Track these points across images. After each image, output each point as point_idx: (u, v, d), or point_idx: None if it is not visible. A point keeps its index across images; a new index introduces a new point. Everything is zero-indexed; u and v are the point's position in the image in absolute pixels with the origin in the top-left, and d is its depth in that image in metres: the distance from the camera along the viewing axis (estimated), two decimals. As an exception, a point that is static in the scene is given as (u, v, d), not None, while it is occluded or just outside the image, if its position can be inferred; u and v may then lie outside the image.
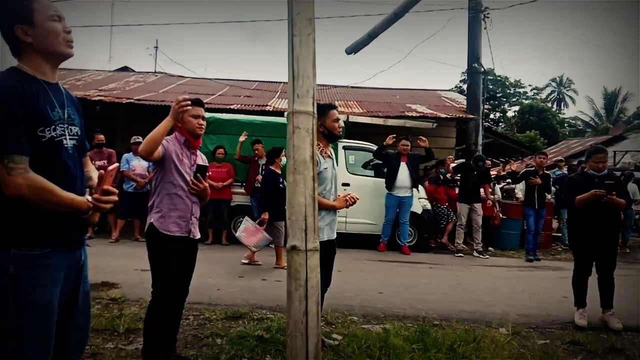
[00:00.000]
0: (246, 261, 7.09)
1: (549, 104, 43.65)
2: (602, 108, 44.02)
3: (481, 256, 8.59)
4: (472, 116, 11.36)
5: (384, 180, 8.35)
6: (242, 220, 8.71)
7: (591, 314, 4.86)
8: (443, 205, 9.16)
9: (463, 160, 10.19)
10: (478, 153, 9.20)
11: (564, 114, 43.97)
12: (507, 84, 39.78)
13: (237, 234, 6.85)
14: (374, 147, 8.57)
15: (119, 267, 6.19)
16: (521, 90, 41.43)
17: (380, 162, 8.54)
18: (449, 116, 11.29)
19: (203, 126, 3.23)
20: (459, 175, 8.97)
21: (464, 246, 8.79)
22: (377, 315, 4.83)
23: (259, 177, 8.34)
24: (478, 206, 8.73)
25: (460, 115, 11.45)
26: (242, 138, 8.32)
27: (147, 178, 8.20)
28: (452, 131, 12.62)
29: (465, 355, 3.58)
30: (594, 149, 4.97)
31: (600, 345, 4.16)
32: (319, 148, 3.62)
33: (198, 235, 3.30)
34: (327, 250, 3.65)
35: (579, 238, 4.95)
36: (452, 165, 9.51)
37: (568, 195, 4.89)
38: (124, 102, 10.81)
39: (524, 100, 40.45)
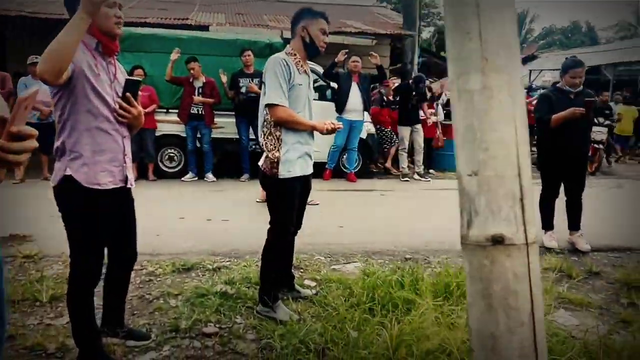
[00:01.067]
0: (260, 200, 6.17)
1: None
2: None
3: (423, 179, 8.39)
4: (409, 32, 10.78)
5: (330, 103, 7.68)
6: (170, 152, 7.83)
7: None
8: (387, 129, 8.73)
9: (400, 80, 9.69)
10: (418, 73, 8.71)
11: (476, 34, 44.59)
12: (422, 3, 39.27)
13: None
14: (317, 67, 7.79)
15: (29, 214, 5.18)
16: (435, 10, 41.27)
17: (325, 83, 7.82)
18: (388, 33, 10.63)
19: (121, 22, 2.21)
20: (399, 97, 8.47)
21: (408, 170, 8.53)
22: (344, 252, 4.36)
23: (198, 100, 7.33)
24: (419, 127, 8.39)
25: (399, 32, 10.83)
26: (173, 56, 7.15)
27: (52, 105, 6.87)
28: (386, 50, 12.03)
29: (460, 286, 3.20)
30: (571, 63, 4.58)
31: (577, 270, 4.01)
32: (295, 58, 2.89)
33: (133, 184, 2.41)
34: (303, 189, 3.04)
35: (550, 159, 4.68)
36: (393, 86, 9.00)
37: (544, 115, 4.54)
38: (12, 15, 8.97)
39: (437, 21, 40.42)
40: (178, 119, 7.51)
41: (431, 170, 9.06)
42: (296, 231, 3.19)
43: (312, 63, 7.86)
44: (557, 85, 4.74)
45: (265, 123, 2.88)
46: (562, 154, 4.56)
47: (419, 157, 8.56)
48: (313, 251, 4.29)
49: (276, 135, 2.85)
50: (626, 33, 44.11)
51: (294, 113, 2.83)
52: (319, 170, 7.77)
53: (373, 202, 6.61)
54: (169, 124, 7.69)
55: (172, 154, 7.91)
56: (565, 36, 51.12)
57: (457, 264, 4.09)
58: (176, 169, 7.91)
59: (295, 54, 2.91)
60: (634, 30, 43.68)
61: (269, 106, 2.79)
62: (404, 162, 8.43)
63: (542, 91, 4.75)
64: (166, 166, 7.91)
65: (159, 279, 3.61)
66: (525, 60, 28.61)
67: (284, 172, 2.84)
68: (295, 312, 3.03)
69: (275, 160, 2.83)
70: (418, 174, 8.52)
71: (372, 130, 8.18)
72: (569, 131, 4.45)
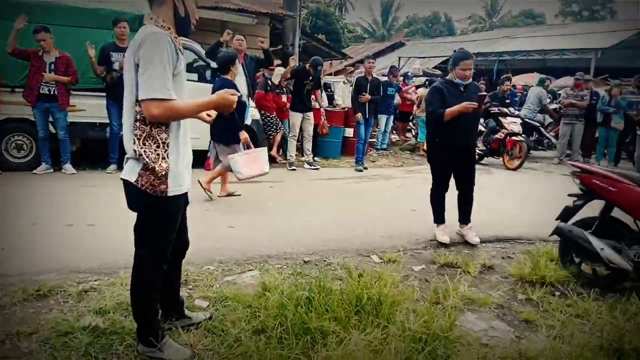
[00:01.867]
0: (224, 193, 5.90)
1: (332, 9, 44.75)
2: (380, 16, 47.26)
3: (312, 167, 8.16)
4: (290, 13, 10.39)
5: (211, 85, 6.99)
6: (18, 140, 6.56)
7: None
8: (271, 115, 8.29)
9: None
10: (315, 57, 8.37)
11: (344, 19, 45.77)
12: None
13: (243, 177, 5.48)
14: (195, 45, 7.04)
15: None
16: (310, -8, 41.43)
17: (205, 63, 7.10)
18: (269, 12, 10.11)
19: None
20: (293, 80, 8.08)
21: (296, 159, 8.22)
22: (237, 259, 3.90)
23: (49, 77, 6.18)
24: (310, 115, 8.12)
25: (279, 12, 10.37)
26: (18, 24, 5.89)
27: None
28: (265, 30, 11.50)
29: (371, 298, 2.94)
30: (462, 55, 4.54)
31: (473, 265, 4.03)
32: (172, 34, 2.24)
33: None
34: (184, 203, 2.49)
35: (439, 153, 4.65)
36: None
37: (437, 108, 4.47)
38: None
39: (310, 4, 40.62)
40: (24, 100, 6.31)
41: (316, 158, 8.86)
42: (184, 252, 2.66)
43: (188, 40, 7.16)
44: (447, 77, 4.70)
45: (138, 124, 2.20)
46: (451, 147, 4.55)
47: (308, 146, 8.30)
48: (201, 260, 3.76)
49: (161, 139, 2.22)
50: (478, 26, 48.60)
51: (183, 105, 2.22)
52: (200, 159, 7.11)
53: (262, 195, 6.18)
54: (15, 105, 6.42)
55: (20, 142, 6.66)
56: (427, 26, 54.74)
57: (358, 264, 3.89)
58: (26, 160, 6.69)
59: (170, 29, 2.26)
60: (484, 23, 48.29)
61: (151, 102, 2.09)
62: (293, 150, 8.10)
63: (434, 84, 4.68)
64: (13, 156, 6.64)
65: (4, 311, 2.83)
66: (394, 47, 30.09)
67: (175, 187, 2.26)
68: (187, 346, 2.52)
69: (163, 173, 2.21)
70: (307, 162, 8.26)
71: (257, 116, 7.68)
72: (458, 125, 4.43)
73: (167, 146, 2.24)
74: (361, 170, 8.20)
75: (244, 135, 5.61)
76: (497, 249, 4.64)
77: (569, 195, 3.94)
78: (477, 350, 2.59)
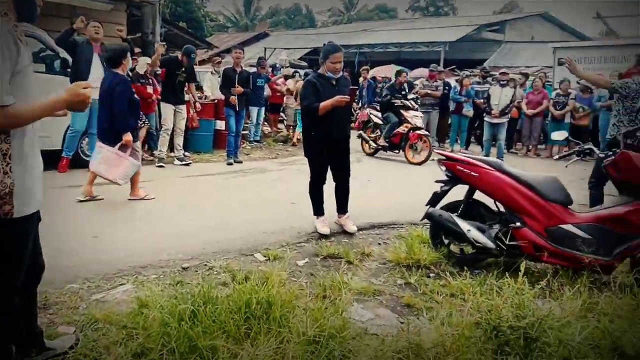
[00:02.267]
0: (84, 197, 5.30)
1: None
2: (243, 5, 46.74)
3: (182, 163, 7.74)
4: (149, 0, 9.71)
5: (63, 77, 6.21)
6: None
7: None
8: (135, 108, 7.64)
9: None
10: (188, 45, 7.83)
11: (205, 7, 44.39)
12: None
13: (93, 168, 5.13)
14: (40, 31, 6.18)
15: None
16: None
17: (53, 52, 6.28)
18: (125, -3, 9.33)
19: None
20: (165, 70, 7.49)
21: (165, 155, 7.71)
22: (106, 273, 3.50)
23: None
24: (183, 108, 7.66)
25: (137, -2, 9.63)
26: None
27: None
28: (122, 17, 10.62)
29: (260, 302, 2.83)
30: (332, 48, 4.58)
31: (354, 254, 4.12)
32: (10, 22, 1.87)
33: None
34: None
35: (316, 146, 4.67)
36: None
37: (311, 103, 4.46)
38: None
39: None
40: None
41: (186, 153, 8.42)
42: (40, 277, 2.29)
43: (30, 26, 6.27)
44: (319, 71, 4.71)
45: None
46: (326, 140, 4.59)
47: (179, 140, 7.83)
48: (62, 279, 3.31)
49: (0, 151, 1.86)
50: (337, 18, 50.49)
51: (24, 109, 1.87)
52: (53, 159, 6.33)
53: (130, 199, 5.65)
54: None
55: None
56: (289, 17, 55.43)
57: (242, 265, 3.75)
58: None
59: (7, 14, 1.89)
60: (343, 16, 50.32)
61: None
62: (163, 145, 7.57)
63: (307, 78, 4.68)
64: None
65: None
66: (258, 38, 29.91)
67: (22, 206, 1.91)
68: (53, 384, 2.18)
69: (7, 191, 1.85)
70: (178, 158, 7.80)
71: (119, 110, 7.01)
72: (332, 118, 4.48)
73: (9, 158, 1.87)
74: (232, 164, 7.98)
75: (127, 137, 5.10)
76: (372, 236, 4.81)
77: (436, 181, 4.20)
78: (372, 345, 2.63)
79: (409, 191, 6.30)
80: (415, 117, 9.07)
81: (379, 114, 9.76)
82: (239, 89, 7.78)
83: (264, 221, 4.91)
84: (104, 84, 5.18)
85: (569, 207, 3.78)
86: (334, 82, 4.56)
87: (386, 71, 16.58)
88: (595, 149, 3.98)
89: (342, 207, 4.87)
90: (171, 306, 2.64)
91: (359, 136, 9.81)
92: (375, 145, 9.51)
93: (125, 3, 10.20)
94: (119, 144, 5.10)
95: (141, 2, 9.77)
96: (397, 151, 9.25)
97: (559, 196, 3.76)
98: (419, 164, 8.71)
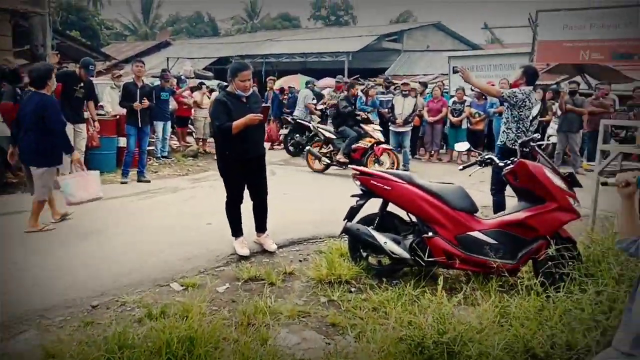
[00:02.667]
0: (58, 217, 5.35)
1: (85, 3, 40.52)
2: (141, 12, 44.88)
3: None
4: (38, 10, 8.98)
5: None
6: None
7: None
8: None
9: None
10: (86, 58, 7.25)
11: (100, 14, 42.00)
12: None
13: (76, 201, 5.06)
14: None
15: None
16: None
17: None
18: (10, 7, 8.54)
19: None
20: (61, 85, 6.87)
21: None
22: (3, 320, 3.15)
23: None
24: (83, 127, 7.11)
25: (23, 8, 8.85)
26: None
27: None
28: (6, 28, 9.73)
29: (181, 340, 2.69)
30: (239, 66, 4.50)
31: (275, 275, 4.07)
32: None
33: None
34: None
35: (231, 165, 4.57)
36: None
37: (223, 122, 4.35)
38: None
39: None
40: None
41: (87, 173, 7.84)
42: None
43: None
44: (228, 89, 4.62)
45: None
46: (242, 159, 4.51)
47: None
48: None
49: None
50: (241, 27, 50.12)
51: None
52: None
53: (20, 228, 5.11)
54: None
55: None
56: (191, 25, 54.13)
57: (158, 298, 3.56)
58: None
59: None
60: (246, 24, 50.04)
61: None
62: (65, 168, 6.98)
63: (216, 96, 4.56)
64: None
65: None
66: (159, 47, 28.83)
67: None
68: None
69: None
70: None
71: (7, 132, 6.36)
72: (246, 136, 4.41)
73: None
74: (126, 183, 7.58)
75: (76, 155, 5.10)
76: (293, 253, 4.79)
77: (352, 195, 4.28)
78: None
79: (326, 203, 6.35)
80: (376, 131, 8.88)
81: (329, 128, 9.33)
82: (145, 103, 7.41)
83: (179, 246, 4.71)
84: (27, 106, 4.99)
85: (475, 214, 4.03)
86: (244, 100, 4.49)
87: (293, 81, 16.70)
88: (495, 158, 4.27)
89: (261, 226, 4.80)
90: (82, 354, 2.44)
91: (309, 151, 9.28)
92: (328, 162, 8.93)
93: (8, 13, 9.35)
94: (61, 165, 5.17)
95: (28, 12, 8.98)
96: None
97: (465, 204, 3.99)
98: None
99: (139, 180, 7.78)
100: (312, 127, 9.95)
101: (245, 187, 4.65)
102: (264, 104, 4.57)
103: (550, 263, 3.51)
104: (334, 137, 9.02)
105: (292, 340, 3.08)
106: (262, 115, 4.37)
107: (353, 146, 8.68)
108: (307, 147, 9.43)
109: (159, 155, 9.97)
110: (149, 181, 7.82)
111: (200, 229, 5.30)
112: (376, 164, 8.53)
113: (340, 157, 8.74)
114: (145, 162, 8.04)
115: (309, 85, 12.55)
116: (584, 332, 2.43)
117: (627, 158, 4.69)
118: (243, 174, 4.57)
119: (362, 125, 8.87)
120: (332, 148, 9.08)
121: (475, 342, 2.32)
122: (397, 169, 8.31)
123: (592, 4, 13.09)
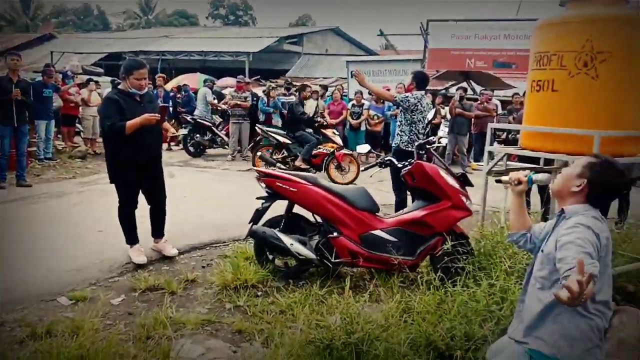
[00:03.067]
0: None
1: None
2: (19, 1, 40.89)
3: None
4: None
5: None
6: None
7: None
8: None
9: None
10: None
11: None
12: None
13: None
14: None
15: None
16: None
17: None
18: None
19: None
20: None
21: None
22: None
23: None
24: None
25: None
26: None
27: None
28: None
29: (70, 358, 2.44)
30: (135, 64, 4.23)
31: (176, 283, 3.87)
32: None
33: None
34: None
35: (124, 168, 4.26)
36: None
37: (116, 122, 4.04)
38: None
39: None
40: None
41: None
42: None
43: None
44: (120, 87, 4.31)
45: None
46: (136, 162, 4.22)
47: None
48: None
49: None
50: (134, 22, 47.63)
51: None
52: None
53: None
54: None
55: None
56: (78, 18, 50.46)
57: (43, 315, 3.21)
58: None
59: None
60: (140, 19, 47.63)
61: None
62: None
63: (106, 95, 4.23)
64: None
65: None
66: (42, 40, 26.46)
67: None
68: None
69: None
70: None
71: None
72: (141, 137, 4.13)
73: None
74: (4, 188, 6.83)
75: None
76: (195, 258, 4.59)
77: (257, 198, 4.19)
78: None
79: (230, 205, 6.18)
80: (336, 136, 8.63)
81: (282, 132, 8.85)
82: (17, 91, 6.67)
83: (67, 257, 4.30)
84: None
85: (376, 213, 4.14)
86: (138, 99, 4.22)
87: (189, 79, 16.13)
88: (394, 160, 4.42)
89: (158, 231, 4.54)
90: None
91: (261, 157, 8.72)
92: (284, 168, 8.38)
93: None
94: None
95: None
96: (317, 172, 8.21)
97: (367, 204, 4.09)
98: (346, 184, 7.51)
99: (18, 185, 7.03)
100: (260, 132, 9.24)
101: (141, 192, 4.38)
102: (162, 105, 4.32)
103: (446, 258, 3.69)
104: (289, 142, 8.60)
105: (197, 351, 2.93)
106: (159, 115, 4.13)
107: (313, 152, 8.41)
108: (259, 153, 8.90)
109: (42, 157, 9.10)
110: (30, 185, 7.09)
111: (91, 237, 4.89)
112: (338, 171, 8.33)
113: (300, 163, 8.38)
114: (25, 164, 7.29)
115: (207, 84, 12.15)
116: (480, 323, 2.58)
117: (507, 158, 5.09)
118: (137, 178, 4.28)
119: (322, 130, 8.65)
120: (286, 153, 8.67)
121: (382, 340, 2.37)
122: (357, 175, 8.13)
123: (478, 16, 14.30)
